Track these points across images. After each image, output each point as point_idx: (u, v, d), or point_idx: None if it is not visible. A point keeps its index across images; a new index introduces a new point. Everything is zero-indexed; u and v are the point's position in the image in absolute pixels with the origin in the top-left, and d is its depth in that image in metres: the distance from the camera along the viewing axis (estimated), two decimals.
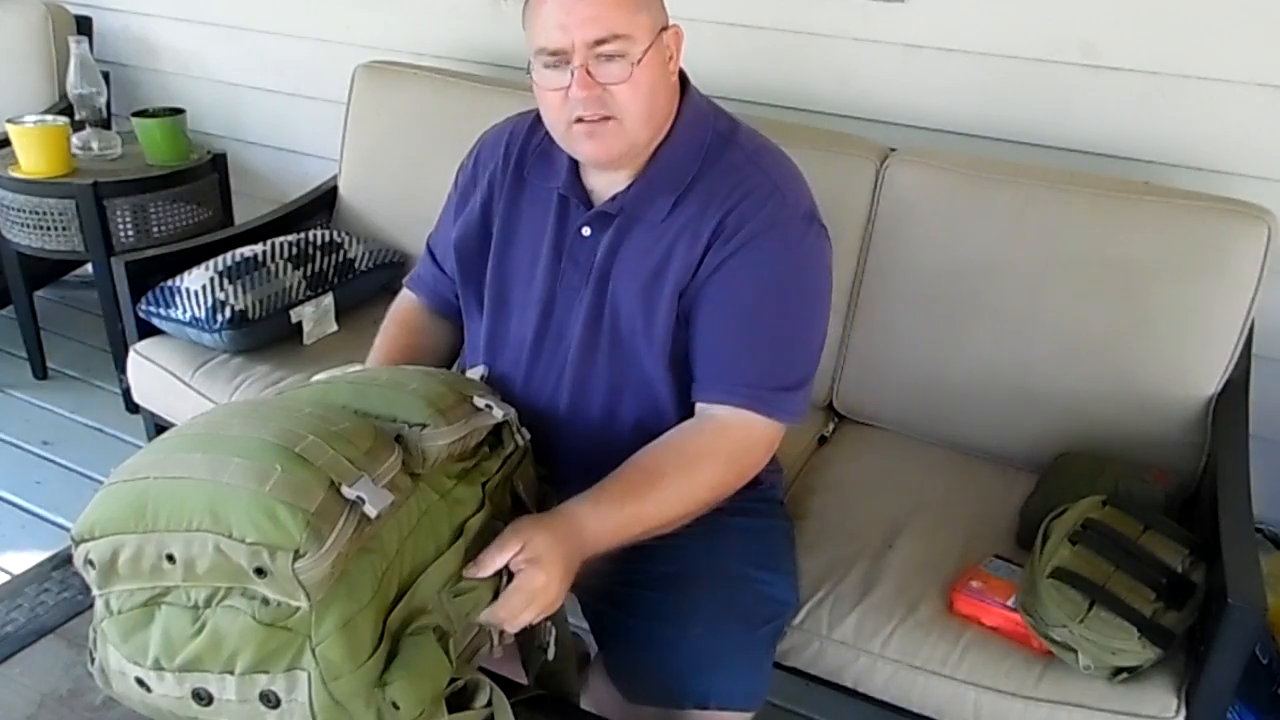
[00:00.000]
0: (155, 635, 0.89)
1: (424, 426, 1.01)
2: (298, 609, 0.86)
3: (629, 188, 1.22)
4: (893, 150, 1.80)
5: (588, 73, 1.12)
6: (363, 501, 0.89)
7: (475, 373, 1.30)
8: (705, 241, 1.19)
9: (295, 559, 0.84)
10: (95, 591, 0.93)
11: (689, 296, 1.21)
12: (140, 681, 0.91)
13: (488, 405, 1.12)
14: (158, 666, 0.89)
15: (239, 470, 0.87)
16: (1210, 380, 1.59)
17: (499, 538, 1.05)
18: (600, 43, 1.11)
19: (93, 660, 0.96)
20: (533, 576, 1.04)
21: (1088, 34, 1.81)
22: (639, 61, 1.13)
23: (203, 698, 0.89)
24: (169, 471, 0.90)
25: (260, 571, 0.85)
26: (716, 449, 1.21)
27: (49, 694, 1.07)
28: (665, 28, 1.18)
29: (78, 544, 0.91)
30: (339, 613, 0.87)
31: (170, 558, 0.87)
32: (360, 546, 0.90)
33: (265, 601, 0.87)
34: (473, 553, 1.04)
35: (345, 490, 0.89)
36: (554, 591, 1.06)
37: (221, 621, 0.87)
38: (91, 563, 0.90)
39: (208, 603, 0.88)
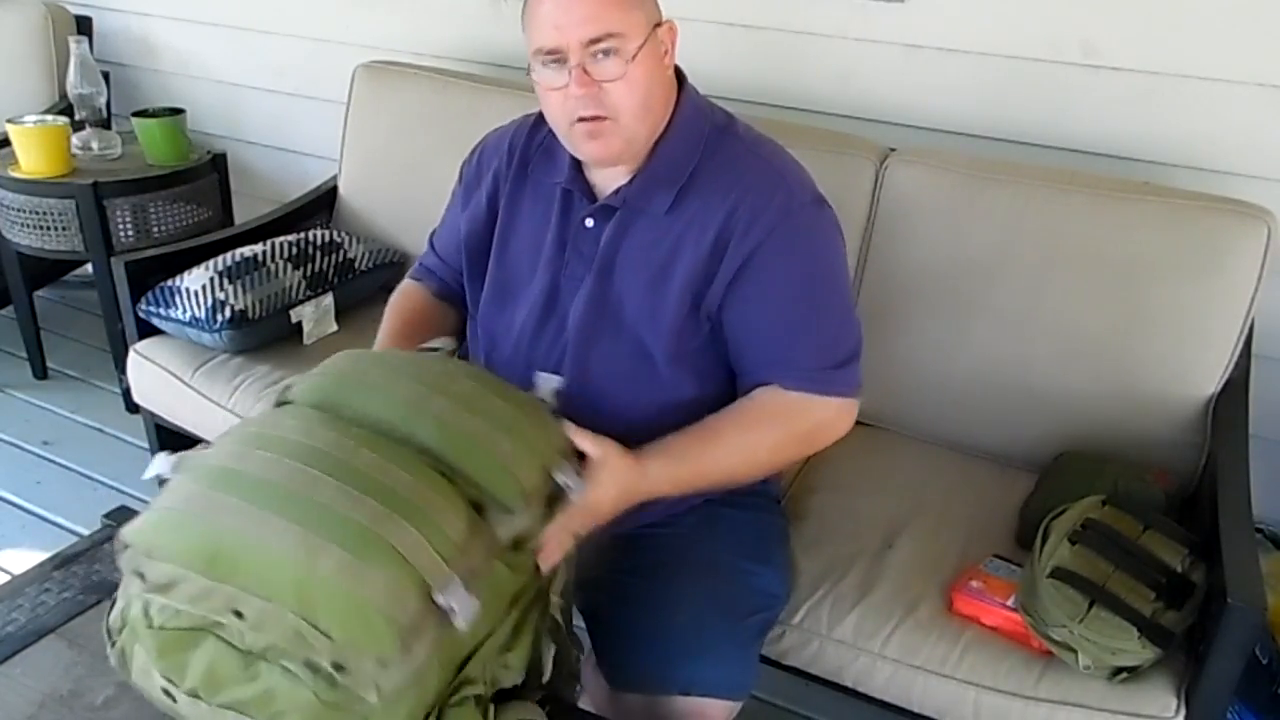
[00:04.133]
0: (197, 664, 0.88)
1: (510, 512, 0.98)
2: (364, 698, 0.85)
3: (631, 181, 1.25)
4: (893, 150, 1.80)
5: (584, 70, 1.14)
6: (453, 612, 0.87)
7: (548, 385, 1.18)
8: (714, 234, 1.21)
9: (380, 665, 0.83)
10: (138, 589, 0.90)
11: (714, 294, 1.23)
12: (168, 693, 0.90)
13: (567, 484, 1.07)
14: (194, 695, 0.88)
15: (335, 561, 0.85)
16: (1210, 380, 1.59)
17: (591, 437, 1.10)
18: (595, 41, 1.13)
19: (112, 643, 0.93)
20: (592, 485, 1.08)
21: (1088, 34, 1.81)
22: (633, 58, 1.15)
23: None
24: (253, 526, 0.87)
25: (339, 666, 0.84)
26: (773, 412, 1.24)
27: (50, 694, 1.07)
28: (659, 24, 1.20)
29: (127, 548, 0.89)
30: (408, 709, 0.87)
31: (239, 614, 0.85)
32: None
33: (331, 682, 0.85)
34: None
35: (437, 597, 0.87)
36: (604, 509, 1.11)
37: (279, 684, 0.86)
38: (142, 575, 0.89)
39: (262, 653, 0.86)
